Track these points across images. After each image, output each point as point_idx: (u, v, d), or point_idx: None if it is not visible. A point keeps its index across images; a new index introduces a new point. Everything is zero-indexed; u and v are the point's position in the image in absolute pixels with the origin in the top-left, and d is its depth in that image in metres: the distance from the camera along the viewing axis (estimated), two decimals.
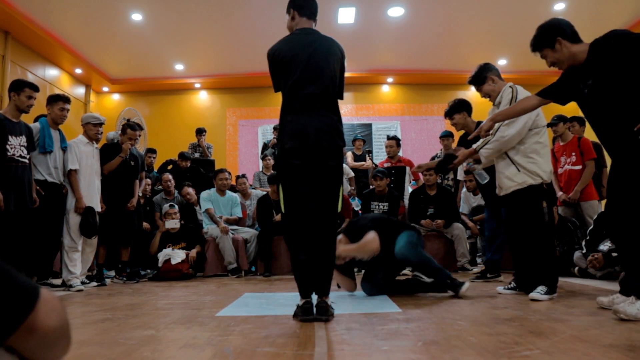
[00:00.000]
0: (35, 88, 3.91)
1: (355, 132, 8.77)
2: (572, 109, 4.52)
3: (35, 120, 4.35)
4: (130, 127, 4.81)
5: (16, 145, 3.77)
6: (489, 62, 3.43)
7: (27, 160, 3.86)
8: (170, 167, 6.73)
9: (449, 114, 4.06)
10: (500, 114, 2.89)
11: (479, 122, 3.96)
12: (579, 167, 4.74)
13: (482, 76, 3.35)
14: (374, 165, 6.57)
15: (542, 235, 3.06)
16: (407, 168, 6.22)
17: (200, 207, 5.76)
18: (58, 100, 4.17)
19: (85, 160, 4.36)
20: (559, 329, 1.94)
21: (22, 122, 3.92)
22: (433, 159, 6.28)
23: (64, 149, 4.29)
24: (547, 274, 2.96)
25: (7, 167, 3.69)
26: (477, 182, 4.05)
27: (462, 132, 4.15)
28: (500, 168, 3.23)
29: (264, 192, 6.03)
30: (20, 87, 3.84)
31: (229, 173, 5.79)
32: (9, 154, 3.69)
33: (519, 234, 3.19)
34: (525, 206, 3.09)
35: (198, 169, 6.68)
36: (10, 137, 3.72)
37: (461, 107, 4.00)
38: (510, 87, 3.22)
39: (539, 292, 2.88)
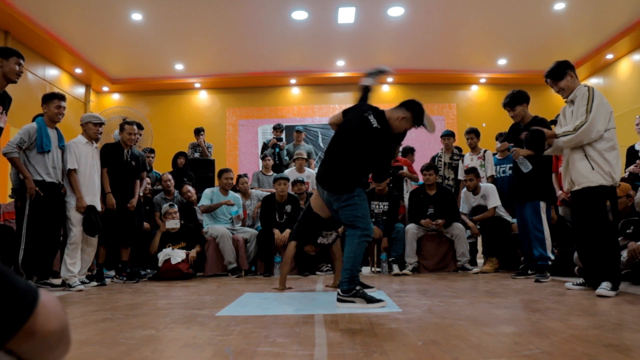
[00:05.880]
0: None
1: None
2: None
3: (33, 119, 4.34)
4: (128, 123, 4.83)
5: None
6: (567, 60, 3.43)
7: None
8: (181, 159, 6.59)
9: (510, 105, 4.09)
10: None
11: (535, 117, 4.05)
12: None
13: (562, 71, 3.34)
14: None
15: (607, 233, 3.12)
16: (405, 168, 6.23)
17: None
18: (53, 98, 4.19)
19: (85, 160, 4.37)
20: (559, 329, 1.94)
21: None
22: (434, 159, 6.28)
23: (62, 148, 4.30)
24: (611, 271, 3.01)
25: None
26: (517, 172, 4.13)
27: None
28: (575, 162, 3.26)
29: (264, 192, 6.03)
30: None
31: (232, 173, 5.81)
32: None
33: (585, 231, 3.24)
34: (592, 205, 3.15)
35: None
36: None
37: (522, 99, 4.08)
38: (586, 87, 3.24)
39: (604, 289, 2.94)
